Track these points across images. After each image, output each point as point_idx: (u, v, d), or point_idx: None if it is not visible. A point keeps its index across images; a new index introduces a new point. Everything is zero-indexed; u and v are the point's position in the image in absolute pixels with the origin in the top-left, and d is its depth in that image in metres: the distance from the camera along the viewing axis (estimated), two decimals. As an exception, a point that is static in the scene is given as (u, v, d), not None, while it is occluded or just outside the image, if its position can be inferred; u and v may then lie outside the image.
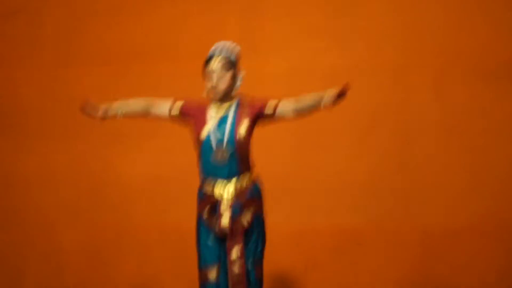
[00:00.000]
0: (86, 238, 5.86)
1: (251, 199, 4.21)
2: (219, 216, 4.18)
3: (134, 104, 4.30)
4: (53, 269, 5.89)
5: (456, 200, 5.53)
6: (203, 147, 4.19)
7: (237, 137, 4.16)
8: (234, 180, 4.19)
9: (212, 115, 4.21)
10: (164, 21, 5.84)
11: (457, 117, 5.54)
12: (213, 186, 4.20)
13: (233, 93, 4.23)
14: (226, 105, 4.22)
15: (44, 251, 5.90)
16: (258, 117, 4.21)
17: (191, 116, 4.25)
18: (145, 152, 5.82)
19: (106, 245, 5.84)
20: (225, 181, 4.18)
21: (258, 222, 4.25)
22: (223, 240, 4.20)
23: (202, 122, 4.20)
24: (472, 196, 5.51)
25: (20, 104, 5.95)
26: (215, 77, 4.15)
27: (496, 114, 5.52)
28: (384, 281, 5.56)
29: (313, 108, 4.09)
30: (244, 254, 4.17)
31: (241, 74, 4.25)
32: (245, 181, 4.21)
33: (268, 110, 4.19)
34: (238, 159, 4.17)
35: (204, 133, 4.19)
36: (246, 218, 4.20)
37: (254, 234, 4.22)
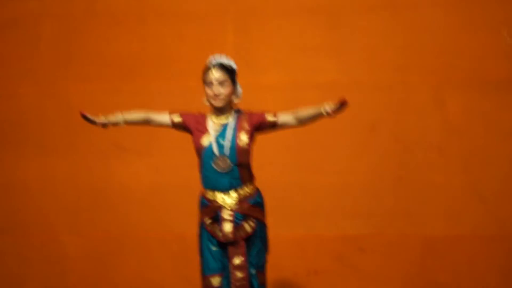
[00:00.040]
0: (89, 244, 5.88)
1: (253, 205, 4.23)
2: (222, 222, 4.20)
3: (136, 113, 4.34)
4: (56, 275, 5.90)
5: (457, 206, 5.53)
6: (205, 155, 4.21)
7: (239, 143, 4.18)
8: (236, 188, 4.21)
9: (212, 124, 4.23)
10: (159, 39, 5.85)
11: (457, 125, 5.55)
12: (215, 194, 4.22)
13: (232, 104, 4.27)
14: (225, 115, 4.25)
15: (47, 257, 5.92)
16: (259, 125, 4.23)
17: (191, 126, 4.27)
18: (146, 160, 5.83)
19: (109, 251, 5.86)
20: (227, 189, 4.20)
21: (261, 229, 4.27)
22: (226, 246, 4.22)
23: (202, 131, 4.23)
24: (472, 201, 5.51)
25: (21, 116, 5.97)
26: (216, 84, 4.17)
27: (496, 121, 5.53)
28: (386, 286, 5.56)
29: (314, 116, 4.12)
30: (247, 260, 4.18)
31: (240, 88, 4.29)
32: (247, 188, 4.23)
33: (269, 118, 4.22)
34: (240, 168, 4.19)
35: (205, 141, 4.21)
36: (249, 224, 4.21)
37: (257, 241, 4.24)
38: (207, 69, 4.22)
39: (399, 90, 5.60)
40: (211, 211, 4.23)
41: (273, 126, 4.23)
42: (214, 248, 4.24)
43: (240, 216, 4.20)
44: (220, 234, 4.20)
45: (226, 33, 5.77)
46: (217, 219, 4.22)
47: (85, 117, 4.20)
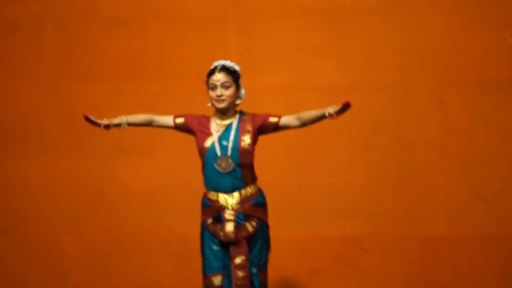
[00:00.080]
0: (89, 244, 5.89)
1: (255, 205, 4.25)
2: (224, 222, 4.20)
3: (138, 115, 4.35)
4: (57, 275, 5.91)
5: (457, 206, 5.54)
6: (208, 156, 4.23)
7: (242, 144, 4.20)
8: (238, 189, 4.22)
9: (216, 126, 4.25)
10: (159, 39, 5.86)
11: (457, 125, 5.56)
12: (218, 194, 4.23)
13: (236, 106, 4.29)
14: (228, 117, 4.26)
15: (47, 257, 5.93)
16: (262, 127, 4.25)
17: (194, 127, 4.29)
18: (147, 160, 5.83)
19: (109, 251, 5.87)
20: (230, 190, 4.21)
21: (263, 229, 4.29)
22: (227, 246, 4.24)
23: (205, 132, 4.25)
24: (472, 201, 5.52)
25: (22, 116, 5.98)
26: (220, 86, 4.19)
27: (496, 121, 5.54)
28: (387, 286, 5.57)
29: (317, 118, 4.13)
30: (248, 259, 4.20)
31: (242, 90, 4.31)
32: (249, 188, 4.24)
33: (272, 119, 4.24)
34: (242, 168, 4.21)
35: (208, 142, 4.23)
36: (251, 224, 4.22)
37: (258, 241, 4.25)
38: (210, 72, 4.25)
39: (399, 90, 5.61)
40: (213, 211, 4.25)
41: (276, 127, 4.25)
42: (215, 248, 4.25)
43: (242, 216, 4.22)
44: (222, 234, 4.21)
45: (228, 34, 5.78)
46: (219, 219, 4.23)
47: (88, 119, 4.21)
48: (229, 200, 4.22)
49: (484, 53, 5.54)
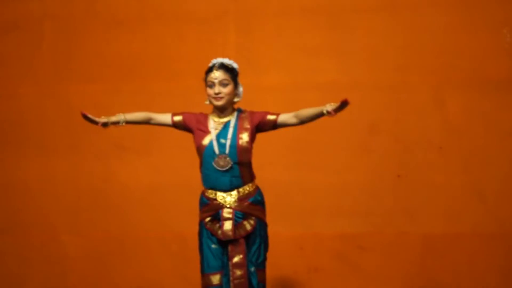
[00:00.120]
0: (89, 244, 5.89)
1: (253, 204, 4.24)
2: (222, 221, 4.20)
3: (136, 113, 4.35)
4: (57, 275, 5.91)
5: (456, 205, 5.53)
6: (206, 154, 4.22)
7: (240, 142, 4.19)
8: (237, 187, 4.22)
9: (214, 124, 4.25)
10: (159, 39, 5.87)
11: (457, 125, 5.56)
12: (216, 192, 4.23)
13: (234, 104, 4.29)
14: (226, 115, 4.26)
15: (47, 257, 5.93)
16: (260, 124, 4.25)
17: (192, 125, 4.29)
18: (146, 160, 5.84)
19: (109, 251, 5.87)
20: (228, 188, 4.21)
21: (261, 227, 4.29)
22: (226, 244, 4.23)
23: (203, 130, 4.25)
24: (472, 200, 5.52)
25: (21, 116, 5.98)
26: (218, 84, 4.19)
27: (496, 121, 5.54)
28: (386, 284, 5.56)
29: (315, 115, 4.13)
30: (246, 258, 4.19)
31: (241, 88, 4.31)
32: (247, 187, 4.24)
33: (270, 116, 4.24)
34: (240, 166, 4.20)
35: (206, 140, 4.23)
36: (249, 223, 4.22)
37: (257, 239, 4.25)
38: (208, 70, 4.25)
39: (399, 90, 5.61)
40: (212, 209, 4.24)
41: (274, 125, 4.25)
42: (214, 246, 4.25)
43: (240, 214, 4.21)
44: (220, 232, 4.21)
45: (227, 33, 5.79)
46: (217, 218, 4.23)
47: (86, 117, 4.20)
48: (227, 198, 4.22)
49: (484, 53, 5.54)
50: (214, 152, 4.20)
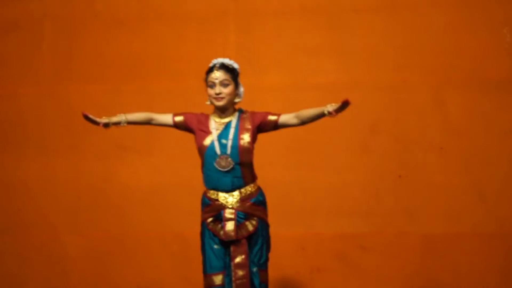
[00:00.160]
0: (89, 244, 5.89)
1: (255, 204, 4.24)
2: (224, 221, 4.20)
3: (138, 113, 4.35)
4: (57, 275, 5.91)
5: (457, 205, 5.54)
6: (207, 154, 4.22)
7: (241, 143, 4.19)
8: (238, 187, 4.22)
9: (215, 124, 4.25)
10: (159, 39, 5.86)
11: (457, 125, 5.56)
12: (218, 193, 4.23)
13: (235, 104, 4.29)
14: (227, 115, 4.26)
15: (47, 257, 5.92)
16: (261, 125, 4.25)
17: (193, 126, 4.29)
18: (146, 160, 5.83)
19: (109, 251, 5.87)
20: (229, 188, 4.21)
21: (263, 227, 4.28)
22: (228, 245, 4.23)
23: (204, 131, 4.24)
24: (472, 200, 5.52)
25: (21, 116, 5.98)
26: (218, 84, 4.19)
27: (496, 121, 5.54)
28: (386, 284, 5.56)
29: (316, 116, 4.13)
30: (248, 258, 4.19)
31: (241, 88, 4.31)
32: (249, 187, 4.24)
33: (271, 117, 4.23)
34: (242, 167, 4.20)
35: (207, 140, 4.23)
36: (251, 223, 4.22)
37: (259, 240, 4.25)
38: (209, 70, 4.24)
39: (399, 90, 5.61)
40: (213, 210, 4.24)
41: (275, 125, 4.25)
42: (216, 247, 4.25)
43: (242, 214, 4.21)
44: (222, 233, 4.21)
45: (227, 33, 5.79)
46: (219, 218, 4.23)
47: (87, 118, 4.20)
48: (229, 199, 4.22)
49: (484, 52, 5.54)
50: (215, 152, 4.19)
